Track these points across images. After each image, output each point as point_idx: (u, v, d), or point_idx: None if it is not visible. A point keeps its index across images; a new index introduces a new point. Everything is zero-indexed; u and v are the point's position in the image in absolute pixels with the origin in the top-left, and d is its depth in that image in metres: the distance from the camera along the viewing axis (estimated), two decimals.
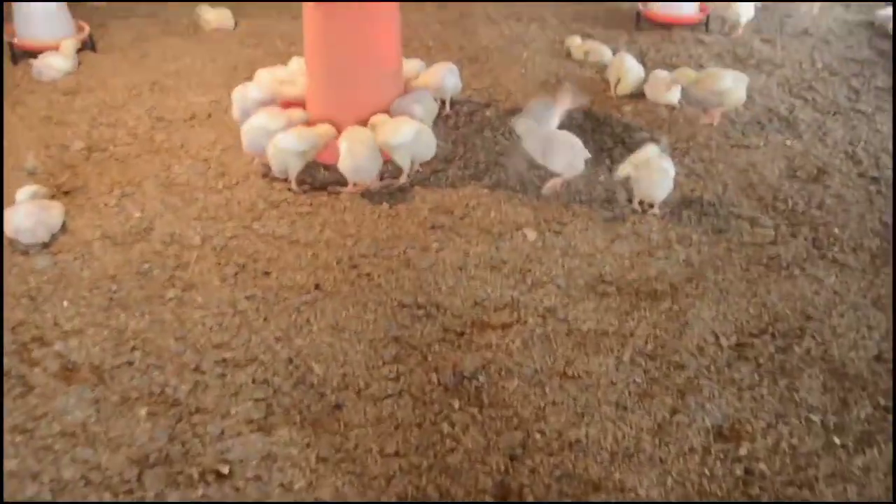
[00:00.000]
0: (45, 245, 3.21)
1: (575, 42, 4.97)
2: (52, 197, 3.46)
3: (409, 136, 3.39)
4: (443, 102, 4.14)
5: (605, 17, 5.78)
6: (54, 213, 3.31)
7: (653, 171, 3.19)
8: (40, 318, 2.81)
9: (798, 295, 2.87)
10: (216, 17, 5.63)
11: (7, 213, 3.21)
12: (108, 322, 2.79)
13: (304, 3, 3.58)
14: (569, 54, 4.99)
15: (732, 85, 3.89)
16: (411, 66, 4.22)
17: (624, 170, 3.27)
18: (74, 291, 2.94)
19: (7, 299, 2.90)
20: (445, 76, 4.04)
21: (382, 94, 3.66)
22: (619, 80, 4.37)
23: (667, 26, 5.48)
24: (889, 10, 5.58)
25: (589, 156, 3.43)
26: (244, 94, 3.85)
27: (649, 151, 3.24)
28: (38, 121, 4.34)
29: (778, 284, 2.92)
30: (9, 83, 4.81)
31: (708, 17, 5.49)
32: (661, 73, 4.30)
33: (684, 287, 2.89)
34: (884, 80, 4.72)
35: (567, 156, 3.34)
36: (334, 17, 3.48)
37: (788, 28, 5.69)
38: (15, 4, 5.13)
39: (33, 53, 5.02)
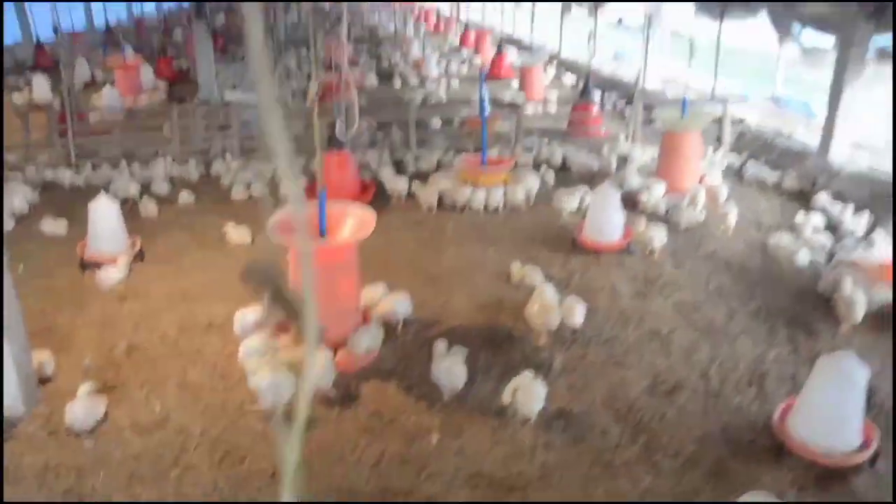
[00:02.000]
0: (91, 430, 4.46)
1: (516, 267, 6.28)
2: (100, 391, 4.75)
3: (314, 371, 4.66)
4: (396, 324, 5.44)
5: (551, 241, 7.14)
6: (100, 406, 4.59)
7: (528, 392, 4.37)
8: (82, 486, 4.03)
9: (619, 492, 3.95)
10: (237, 235, 7.13)
11: (68, 405, 4.50)
12: (128, 491, 3.99)
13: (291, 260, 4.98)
14: (510, 278, 6.29)
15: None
16: (375, 292, 5.57)
17: (507, 392, 4.45)
18: (108, 467, 4.16)
19: (59, 470, 4.13)
20: (398, 305, 5.37)
21: (343, 325, 4.98)
22: (537, 307, 5.57)
23: (596, 252, 6.80)
24: (780, 239, 6.82)
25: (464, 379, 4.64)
26: (243, 316, 5.22)
27: (525, 377, 4.43)
28: (96, 324, 5.74)
29: (606, 482, 4.01)
30: (78, 289, 6.31)
31: (629, 243, 6.79)
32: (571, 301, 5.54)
33: (535, 484, 4.00)
34: (756, 304, 5.90)
35: (449, 377, 4.56)
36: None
37: (700, 250, 6.98)
38: (89, 226, 6.71)
39: (98, 265, 6.54)
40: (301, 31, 24.06)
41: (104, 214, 6.67)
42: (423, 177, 8.83)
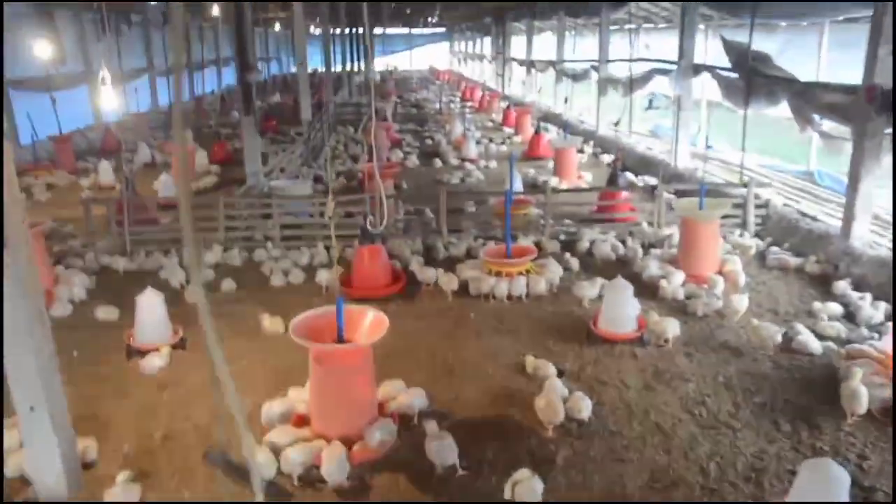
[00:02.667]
0: None
1: (529, 360, 6.59)
2: (136, 479, 5.17)
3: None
4: (413, 417, 5.78)
5: (568, 332, 7.43)
6: (134, 494, 5.01)
7: (526, 488, 4.65)
8: None
9: None
10: (272, 325, 7.61)
11: (106, 492, 4.93)
12: None
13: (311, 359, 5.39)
14: (524, 369, 6.59)
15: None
16: (392, 386, 5.95)
17: (507, 487, 4.73)
18: None
19: None
20: (413, 399, 5.73)
21: (357, 420, 5.35)
22: (544, 402, 5.82)
23: (611, 342, 7.07)
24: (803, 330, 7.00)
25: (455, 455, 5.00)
26: (270, 408, 5.64)
27: (523, 473, 4.72)
28: (136, 411, 6.21)
29: None
30: (123, 376, 6.82)
31: (643, 334, 7.05)
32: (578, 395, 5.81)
33: None
34: (762, 397, 6.08)
35: (440, 455, 4.95)
36: (326, 371, 5.26)
37: (714, 340, 7.19)
38: (136, 316, 7.27)
39: (143, 353, 7.08)
40: (351, 110, 25.14)
41: (149, 307, 7.23)
42: (454, 263, 9.26)
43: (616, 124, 16.39)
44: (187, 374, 6.82)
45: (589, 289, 8.08)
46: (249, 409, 5.99)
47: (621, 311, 7.03)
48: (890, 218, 10.93)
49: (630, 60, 16.23)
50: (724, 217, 10.16)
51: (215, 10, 23.17)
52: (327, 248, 10.03)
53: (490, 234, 10.39)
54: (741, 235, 10.15)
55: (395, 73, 54.68)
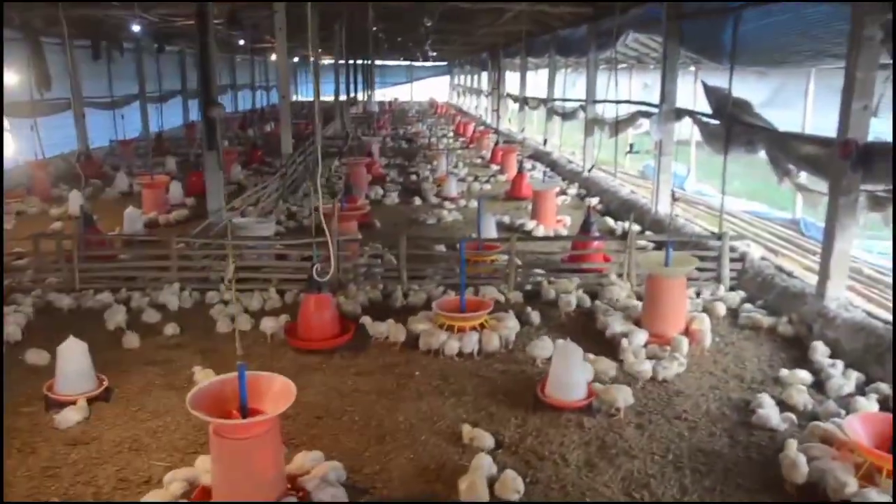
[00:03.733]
0: None
1: (466, 429, 6.12)
2: None
3: None
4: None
5: (514, 395, 6.96)
6: None
7: None
8: None
9: None
10: (203, 377, 7.14)
11: None
12: None
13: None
14: (460, 438, 6.13)
15: None
16: (309, 458, 5.49)
17: None
18: None
19: None
20: (329, 473, 5.26)
21: (260, 497, 4.88)
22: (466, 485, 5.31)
23: (558, 409, 6.61)
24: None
25: None
26: (172, 477, 5.20)
27: None
28: (39, 473, 5.76)
29: None
30: (36, 430, 6.36)
31: (592, 402, 6.59)
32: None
33: None
34: (712, 480, 5.61)
35: None
36: (225, 444, 4.81)
37: (670, 410, 6.72)
38: (57, 365, 6.84)
39: (62, 404, 6.64)
40: (340, 143, 24.86)
41: (70, 356, 6.81)
42: (412, 313, 8.83)
43: (629, 152, 15.99)
44: (103, 431, 6.36)
45: (543, 348, 7.64)
46: (160, 476, 5.55)
47: (570, 376, 6.59)
48: (875, 274, 10.59)
49: (616, 102, 15.92)
50: (700, 269, 9.77)
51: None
52: (280, 293, 9.62)
53: (454, 282, 9.95)
54: (714, 290, 9.71)
55: (394, 104, 54.73)
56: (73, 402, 6.61)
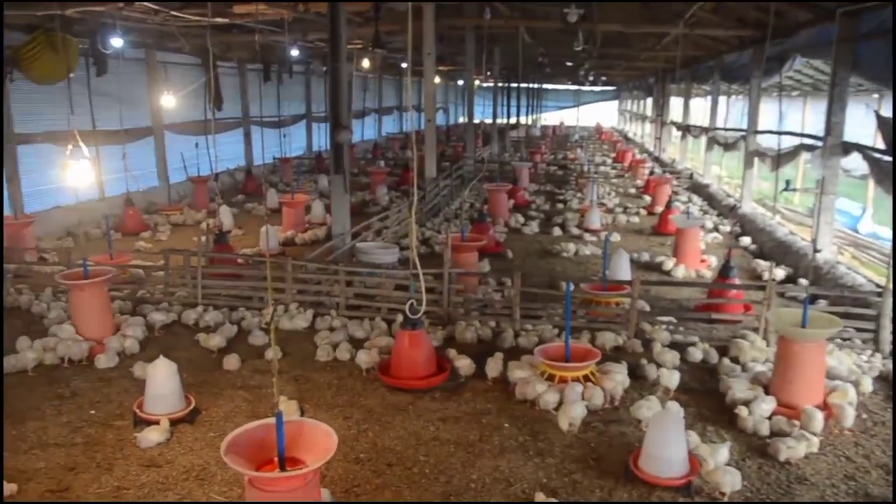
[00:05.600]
0: None
1: (540, 497, 5.51)
2: None
3: None
4: None
5: (606, 463, 6.23)
6: None
7: None
8: None
9: None
10: (287, 409, 6.99)
11: None
12: None
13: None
14: None
15: None
16: None
17: None
18: None
19: None
20: None
21: None
22: None
23: (650, 485, 5.84)
24: None
25: None
26: None
27: None
28: (109, 490, 5.79)
29: None
30: (119, 445, 6.45)
31: (691, 482, 5.77)
32: None
33: None
34: None
35: None
36: (261, 497, 4.54)
37: (786, 500, 5.77)
38: (147, 384, 6.93)
39: (148, 422, 6.72)
40: (493, 168, 24.68)
41: (160, 376, 6.87)
42: (522, 355, 8.31)
43: (784, 189, 14.58)
44: (178, 455, 6.34)
45: (649, 409, 6.86)
46: None
47: (666, 449, 5.80)
48: None
49: (778, 133, 14.56)
50: (856, 329, 8.57)
51: (365, 62, 23.56)
52: (388, 323, 9.39)
53: (573, 325, 9.26)
54: (868, 356, 8.45)
55: (559, 128, 54.10)
56: (158, 423, 6.65)
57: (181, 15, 14.35)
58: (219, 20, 15.78)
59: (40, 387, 7.81)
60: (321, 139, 30.94)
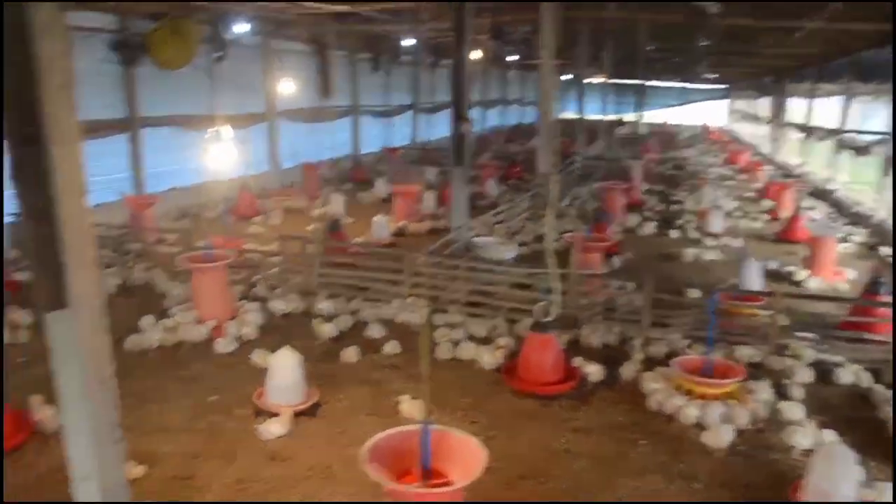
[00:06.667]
0: None
1: None
2: None
3: None
4: None
5: (756, 489, 5.71)
6: None
7: None
8: None
9: None
10: (409, 409, 6.72)
11: None
12: None
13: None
14: None
15: None
16: None
17: None
18: None
19: None
20: None
21: None
22: None
23: None
24: None
25: None
26: None
27: None
28: (233, 482, 5.65)
29: None
30: (240, 435, 6.32)
31: None
32: None
33: None
34: None
35: None
36: None
37: None
38: (268, 374, 6.78)
39: (269, 414, 6.57)
40: (603, 164, 24.05)
41: (283, 368, 6.71)
42: (652, 366, 7.80)
43: None
44: (301, 450, 6.15)
45: (804, 436, 6.25)
46: None
47: (835, 491, 5.19)
48: None
49: None
50: None
51: (477, 53, 23.21)
52: (510, 322, 9.01)
53: (703, 335, 8.64)
54: None
55: (664, 127, 52.46)
56: (279, 414, 6.49)
57: (301, 2, 14.38)
58: (338, 8, 15.77)
59: (162, 368, 7.80)
60: (427, 130, 30.89)
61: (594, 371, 7.58)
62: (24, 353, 7.96)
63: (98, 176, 14.03)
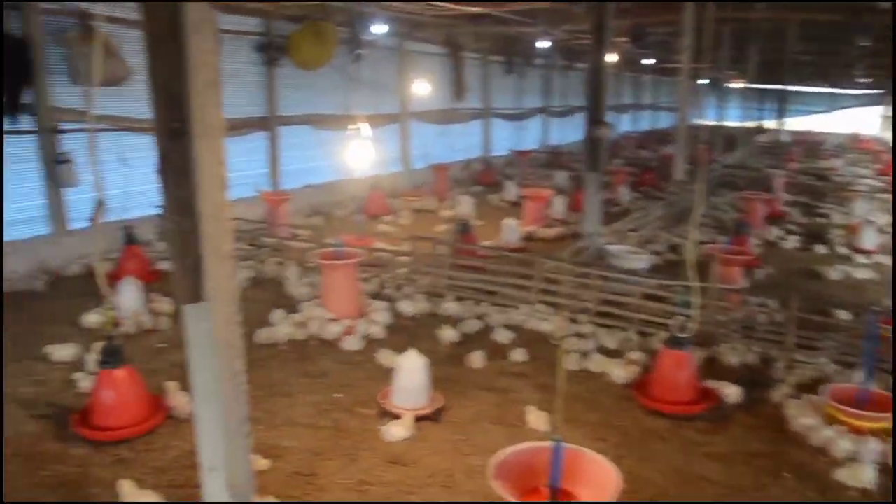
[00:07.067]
0: None
1: None
2: None
3: None
4: None
5: None
6: None
7: None
8: None
9: None
10: (535, 420, 6.49)
11: None
12: None
13: None
14: None
15: None
16: None
17: None
18: None
19: None
20: None
21: None
22: None
23: None
24: None
25: None
26: None
27: None
28: (354, 483, 5.61)
29: None
30: (364, 435, 6.30)
31: None
32: None
33: None
34: None
35: None
36: None
37: None
38: (395, 376, 6.73)
39: (392, 416, 6.52)
40: (743, 173, 22.96)
41: (409, 370, 6.64)
42: (795, 391, 7.24)
43: None
44: (422, 456, 6.04)
45: None
46: None
47: None
48: None
49: None
50: None
51: (612, 56, 22.65)
52: (642, 335, 8.62)
53: (855, 361, 7.94)
54: None
55: (808, 135, 49.55)
56: (401, 417, 6.43)
57: (438, 3, 14.41)
58: (473, 9, 15.72)
59: (290, 362, 7.92)
60: (558, 134, 30.52)
61: (732, 393, 7.08)
62: (164, 339, 8.30)
63: (238, 172, 14.63)
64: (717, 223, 15.79)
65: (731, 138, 30.56)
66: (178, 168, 4.06)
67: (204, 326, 4.20)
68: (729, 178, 21.74)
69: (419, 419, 6.50)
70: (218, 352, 4.23)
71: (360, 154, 10.31)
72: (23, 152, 10.90)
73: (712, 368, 7.82)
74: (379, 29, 14.41)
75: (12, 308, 9.34)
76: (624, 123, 40.51)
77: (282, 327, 8.50)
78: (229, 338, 4.31)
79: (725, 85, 28.04)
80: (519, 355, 8.13)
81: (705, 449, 6.29)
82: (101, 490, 5.37)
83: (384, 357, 7.86)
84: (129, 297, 8.74)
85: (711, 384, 7.20)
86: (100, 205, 5.37)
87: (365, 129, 9.46)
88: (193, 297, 4.18)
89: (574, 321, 8.98)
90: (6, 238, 10.55)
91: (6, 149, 10.40)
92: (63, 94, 11.16)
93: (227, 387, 4.32)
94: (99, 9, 10.31)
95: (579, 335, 8.63)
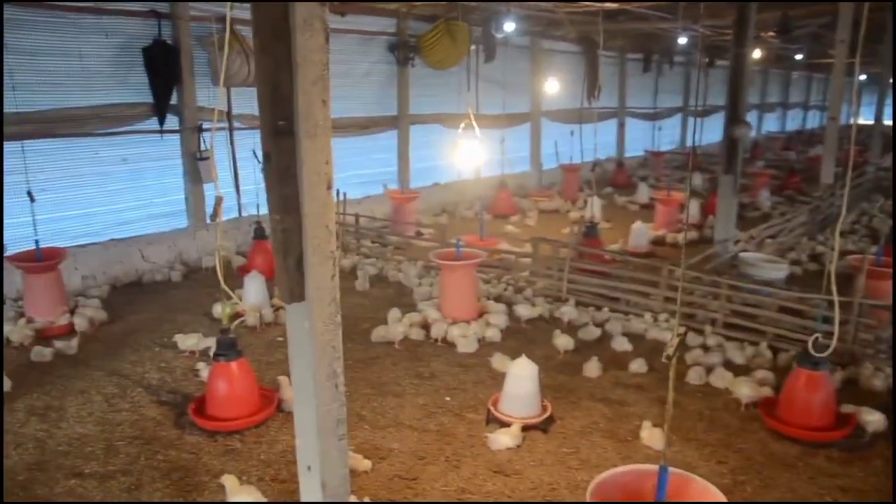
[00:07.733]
0: None
1: None
2: None
3: None
4: None
5: None
6: None
7: None
8: None
9: None
10: (649, 437, 6.14)
11: None
12: None
13: None
14: None
15: None
16: None
17: None
18: None
19: None
20: None
21: None
22: None
23: None
24: None
25: None
26: None
27: None
28: (455, 490, 5.49)
29: None
30: (470, 441, 6.17)
31: None
32: None
33: None
34: None
35: None
36: None
37: None
38: (505, 382, 6.55)
39: (501, 423, 6.36)
40: None
41: (519, 378, 6.44)
42: None
43: None
44: (526, 467, 5.83)
45: None
46: None
47: None
48: None
49: None
50: None
51: (757, 52, 21.43)
52: (773, 350, 8.02)
53: None
54: None
55: None
56: (509, 425, 6.25)
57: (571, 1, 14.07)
58: (609, 5, 15.24)
59: (403, 361, 7.90)
60: (698, 134, 29.24)
61: (874, 420, 6.40)
62: (283, 333, 8.51)
63: (368, 170, 14.89)
64: (869, 231, 14.59)
65: (889, 139, 28.23)
66: (282, 166, 4.06)
67: (303, 327, 4.19)
68: (884, 183, 20.06)
69: (527, 428, 6.30)
70: (316, 353, 4.21)
71: (482, 154, 10.18)
72: (169, 150, 11.49)
73: (852, 391, 7.15)
74: (509, 26, 14.22)
75: (150, 297, 9.89)
76: (769, 123, 38.38)
77: (397, 326, 8.51)
78: (329, 338, 4.29)
79: (887, 81, 25.83)
80: (638, 366, 7.75)
81: (838, 481, 5.73)
82: (209, 479, 5.52)
83: (498, 361, 7.70)
84: (253, 291, 9.04)
85: (850, 409, 6.56)
86: (219, 202, 5.50)
87: (473, 128, 9.30)
88: (295, 297, 4.18)
89: (700, 332, 8.47)
90: (150, 231, 11.19)
91: (154, 147, 11.02)
92: (204, 94, 11.68)
93: (325, 387, 4.30)
94: (238, 13, 10.69)
95: (704, 348, 8.14)
